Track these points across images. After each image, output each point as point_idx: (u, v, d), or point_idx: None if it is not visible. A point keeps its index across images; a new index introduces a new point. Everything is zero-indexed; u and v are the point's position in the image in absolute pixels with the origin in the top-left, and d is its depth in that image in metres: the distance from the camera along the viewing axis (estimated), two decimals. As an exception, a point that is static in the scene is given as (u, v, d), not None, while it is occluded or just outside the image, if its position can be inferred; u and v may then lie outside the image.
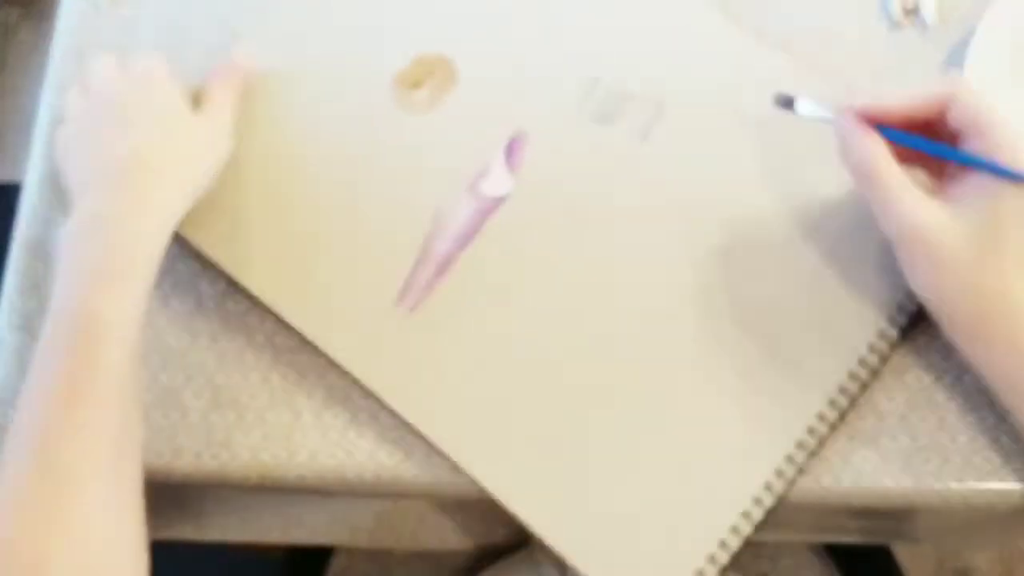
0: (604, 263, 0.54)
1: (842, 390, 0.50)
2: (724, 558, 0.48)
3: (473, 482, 0.52)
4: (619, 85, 0.58)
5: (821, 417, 0.50)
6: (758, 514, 0.49)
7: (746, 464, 0.50)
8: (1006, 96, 0.56)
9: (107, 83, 0.55)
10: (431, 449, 0.52)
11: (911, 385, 0.52)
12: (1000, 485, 0.50)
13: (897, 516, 0.57)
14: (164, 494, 0.53)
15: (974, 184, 0.46)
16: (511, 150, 0.57)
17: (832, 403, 0.50)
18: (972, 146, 0.46)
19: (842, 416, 0.51)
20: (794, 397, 0.50)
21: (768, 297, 0.53)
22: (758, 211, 0.54)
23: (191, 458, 0.53)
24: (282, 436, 0.53)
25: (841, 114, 0.48)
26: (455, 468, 0.52)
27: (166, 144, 0.52)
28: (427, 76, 0.58)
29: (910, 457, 0.51)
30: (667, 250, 0.54)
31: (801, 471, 0.50)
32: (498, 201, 0.56)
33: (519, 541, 0.61)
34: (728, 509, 0.49)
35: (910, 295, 0.50)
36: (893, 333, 0.51)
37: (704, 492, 0.50)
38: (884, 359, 0.51)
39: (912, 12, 0.60)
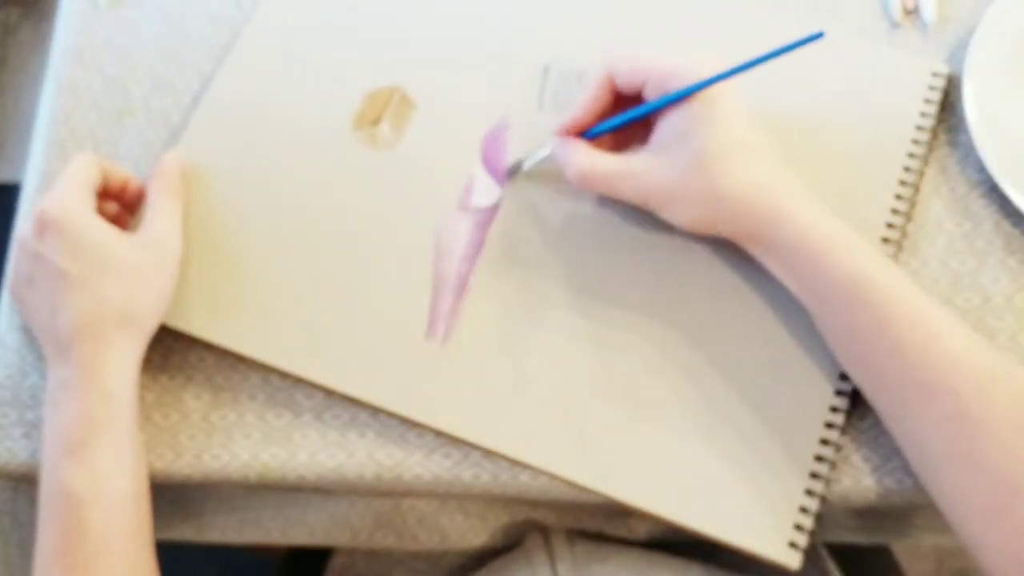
0: (611, 247, 0.55)
1: None
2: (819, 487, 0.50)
3: (470, 482, 0.52)
4: (569, 65, 0.59)
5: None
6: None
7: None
8: (1006, 96, 0.56)
9: (28, 254, 0.52)
10: (431, 449, 0.52)
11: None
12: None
13: (897, 516, 0.57)
14: (164, 495, 0.53)
15: (664, 122, 0.50)
16: (488, 158, 0.57)
17: None
18: (651, 94, 0.50)
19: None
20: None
21: None
22: None
23: (191, 458, 0.53)
24: (282, 436, 0.53)
25: (554, 143, 0.53)
26: (455, 468, 0.52)
27: (102, 297, 0.50)
28: (383, 109, 0.58)
29: (910, 457, 0.51)
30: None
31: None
32: (492, 210, 0.56)
33: (516, 541, 0.62)
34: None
35: None
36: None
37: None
38: None
39: (912, 12, 0.60)
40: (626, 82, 0.51)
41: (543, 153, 0.54)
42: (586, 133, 0.53)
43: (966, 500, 0.44)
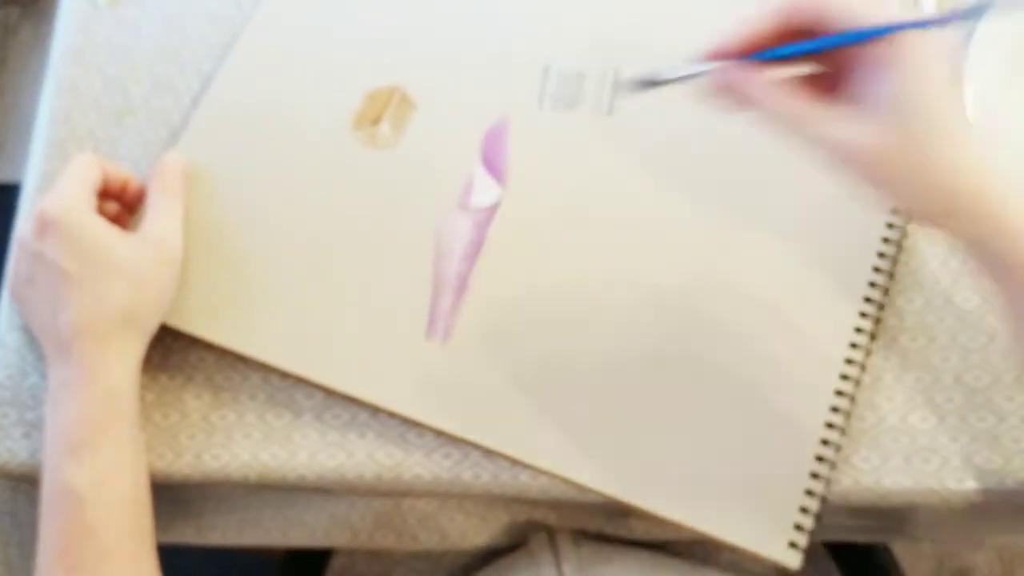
0: (612, 247, 0.55)
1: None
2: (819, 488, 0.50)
3: (470, 482, 0.52)
4: (569, 64, 0.59)
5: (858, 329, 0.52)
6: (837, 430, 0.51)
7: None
8: (1006, 96, 0.56)
9: (29, 254, 0.52)
10: (431, 449, 0.52)
11: (911, 385, 0.52)
12: (999, 485, 0.50)
13: (897, 516, 0.57)
14: (164, 496, 0.53)
15: (866, 71, 0.42)
16: (488, 159, 0.57)
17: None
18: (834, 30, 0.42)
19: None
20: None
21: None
22: (739, 158, 0.56)
23: (191, 458, 0.53)
24: (282, 436, 0.53)
25: (714, 65, 0.44)
26: (455, 468, 0.52)
27: (103, 297, 0.50)
28: (383, 109, 0.58)
29: (910, 457, 0.51)
30: (672, 218, 0.55)
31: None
32: (492, 210, 0.56)
33: (517, 541, 0.62)
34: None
35: None
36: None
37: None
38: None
39: (912, 12, 0.60)
40: (803, 13, 0.42)
41: (693, 70, 0.45)
42: (755, 56, 0.43)
43: None
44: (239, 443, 0.53)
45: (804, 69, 0.45)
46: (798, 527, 0.49)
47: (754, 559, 0.49)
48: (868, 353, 0.52)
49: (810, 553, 0.49)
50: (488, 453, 0.52)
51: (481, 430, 0.51)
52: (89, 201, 0.52)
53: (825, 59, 0.44)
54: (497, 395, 0.52)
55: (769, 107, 0.43)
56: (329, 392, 0.53)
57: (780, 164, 0.56)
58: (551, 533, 0.60)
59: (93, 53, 0.62)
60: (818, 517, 0.49)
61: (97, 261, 0.50)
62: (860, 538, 0.59)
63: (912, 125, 0.41)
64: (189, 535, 0.61)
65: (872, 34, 0.41)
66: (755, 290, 0.53)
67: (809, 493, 0.49)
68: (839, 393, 0.51)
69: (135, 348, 0.51)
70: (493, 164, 0.57)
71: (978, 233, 0.43)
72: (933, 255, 0.55)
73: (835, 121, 0.42)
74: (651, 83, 0.46)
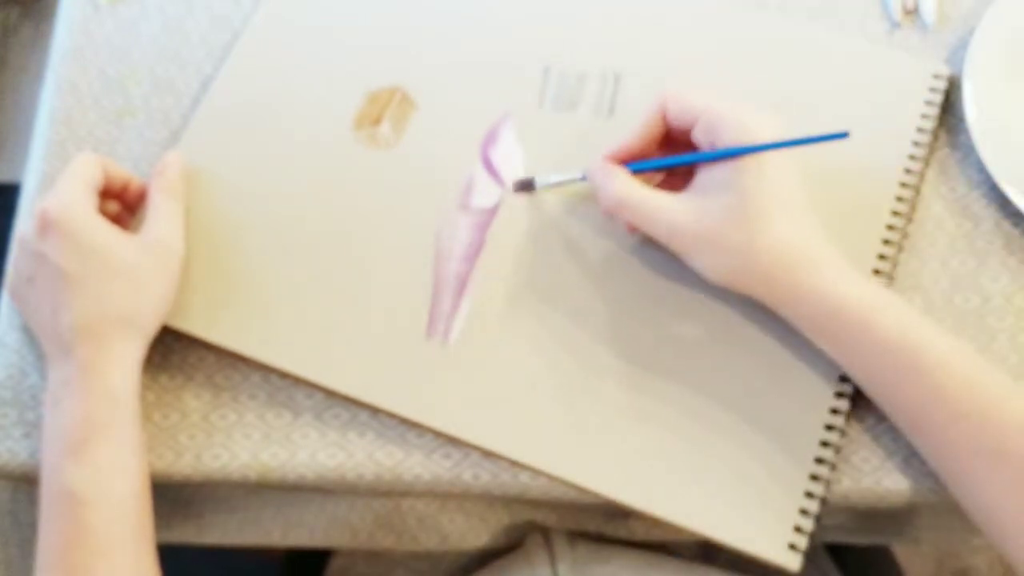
0: (613, 250, 0.54)
1: None
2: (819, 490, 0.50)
3: (470, 482, 0.52)
4: (570, 65, 0.59)
5: None
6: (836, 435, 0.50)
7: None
8: (1006, 96, 0.56)
9: (30, 253, 0.52)
10: (431, 449, 0.52)
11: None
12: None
13: (897, 516, 0.57)
14: (164, 496, 0.53)
15: (709, 167, 0.49)
16: (488, 159, 0.57)
17: None
18: (700, 137, 0.50)
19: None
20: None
21: None
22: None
23: (191, 458, 0.53)
24: (282, 436, 0.53)
25: (580, 174, 0.53)
26: (455, 468, 0.52)
27: (104, 298, 0.50)
28: (384, 109, 0.58)
29: (910, 457, 0.51)
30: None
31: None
32: (492, 211, 0.56)
33: (517, 542, 0.62)
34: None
35: None
36: None
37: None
38: None
39: (912, 12, 0.60)
40: (677, 119, 0.51)
41: (560, 177, 0.54)
42: (630, 165, 0.52)
43: None
44: (239, 443, 0.53)
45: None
46: (798, 529, 0.49)
47: (754, 560, 0.49)
48: None
49: (810, 554, 0.49)
50: (488, 453, 0.52)
51: (481, 431, 0.51)
52: (91, 201, 0.52)
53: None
54: (496, 396, 0.52)
55: (615, 193, 0.50)
56: (329, 392, 0.53)
57: None
58: (546, 534, 0.60)
59: (93, 53, 0.62)
60: (818, 519, 0.49)
61: (98, 262, 0.50)
62: (860, 539, 0.59)
63: (735, 208, 0.47)
64: (189, 535, 0.61)
65: (733, 153, 0.48)
66: None
67: (809, 495, 0.49)
68: (838, 395, 0.51)
69: (136, 348, 0.51)
70: (493, 165, 0.57)
71: (791, 300, 0.48)
72: (933, 255, 0.55)
73: (671, 205, 0.49)
74: (529, 186, 0.55)
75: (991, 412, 0.44)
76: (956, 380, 0.45)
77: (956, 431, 0.45)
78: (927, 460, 0.48)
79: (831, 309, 0.47)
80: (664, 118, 0.51)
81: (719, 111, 0.49)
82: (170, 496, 0.58)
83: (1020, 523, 0.44)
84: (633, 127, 0.52)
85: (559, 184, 0.54)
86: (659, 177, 0.54)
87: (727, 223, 0.48)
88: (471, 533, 0.60)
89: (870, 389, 0.48)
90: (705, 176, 0.50)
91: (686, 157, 0.51)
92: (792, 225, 0.48)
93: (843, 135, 0.49)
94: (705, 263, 0.49)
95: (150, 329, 0.52)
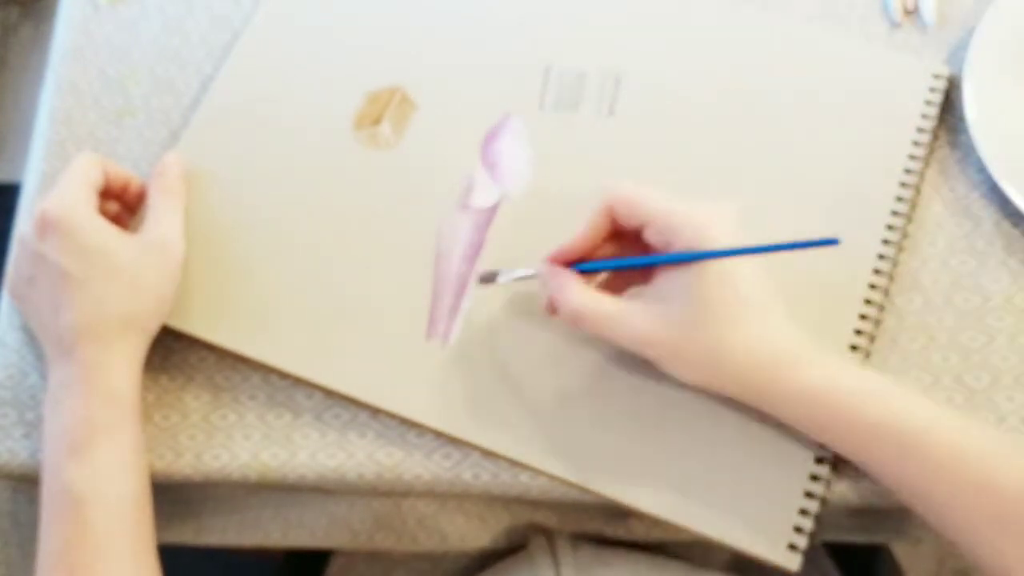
0: None
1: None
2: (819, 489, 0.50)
3: (470, 482, 0.52)
4: (570, 65, 0.59)
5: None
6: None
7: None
8: (1006, 96, 0.56)
9: (30, 254, 0.51)
10: (431, 449, 0.52)
11: (911, 386, 0.52)
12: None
13: (897, 516, 0.57)
14: (164, 496, 0.53)
15: (667, 271, 0.47)
16: (489, 159, 0.57)
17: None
18: (653, 238, 0.48)
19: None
20: None
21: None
22: (739, 159, 0.56)
23: (191, 458, 0.53)
24: (282, 436, 0.53)
25: (539, 273, 0.50)
26: (455, 468, 0.52)
27: (104, 298, 0.50)
28: (384, 109, 0.58)
29: (910, 457, 0.51)
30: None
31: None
32: (492, 211, 0.56)
33: (517, 543, 0.61)
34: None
35: None
36: None
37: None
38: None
39: (912, 12, 0.60)
40: (626, 221, 0.48)
41: (523, 272, 0.51)
42: (579, 266, 0.49)
43: None
44: (239, 443, 0.53)
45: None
46: (798, 529, 0.49)
47: (754, 560, 0.49)
48: (868, 354, 0.52)
49: (810, 553, 0.49)
50: (488, 453, 0.52)
51: (480, 431, 0.51)
52: (91, 201, 0.52)
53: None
54: (496, 396, 0.52)
55: (570, 306, 0.48)
56: (329, 392, 0.53)
57: (779, 166, 0.56)
58: (550, 536, 0.60)
59: (93, 53, 0.62)
60: (818, 519, 0.49)
61: (98, 262, 0.50)
62: (860, 538, 0.59)
63: (699, 317, 0.46)
64: (189, 535, 0.61)
65: (691, 258, 0.46)
66: None
67: (809, 495, 0.49)
68: None
69: (136, 349, 0.51)
70: (493, 165, 0.57)
71: (769, 397, 0.47)
72: (933, 255, 0.55)
73: (631, 315, 0.47)
74: (492, 279, 0.52)
75: (997, 480, 0.43)
76: (958, 455, 0.44)
77: (961, 502, 0.44)
78: (935, 529, 0.46)
79: (815, 403, 0.46)
80: (611, 215, 0.49)
81: (672, 216, 0.47)
82: (170, 496, 0.58)
83: None
84: (580, 228, 0.49)
85: (523, 279, 0.52)
86: (605, 277, 0.52)
87: (693, 332, 0.46)
88: (471, 534, 0.60)
89: (865, 467, 0.48)
90: (664, 281, 0.47)
91: (639, 260, 0.49)
92: (760, 327, 0.46)
93: (832, 241, 0.45)
94: (676, 370, 0.48)
95: (150, 329, 0.52)
